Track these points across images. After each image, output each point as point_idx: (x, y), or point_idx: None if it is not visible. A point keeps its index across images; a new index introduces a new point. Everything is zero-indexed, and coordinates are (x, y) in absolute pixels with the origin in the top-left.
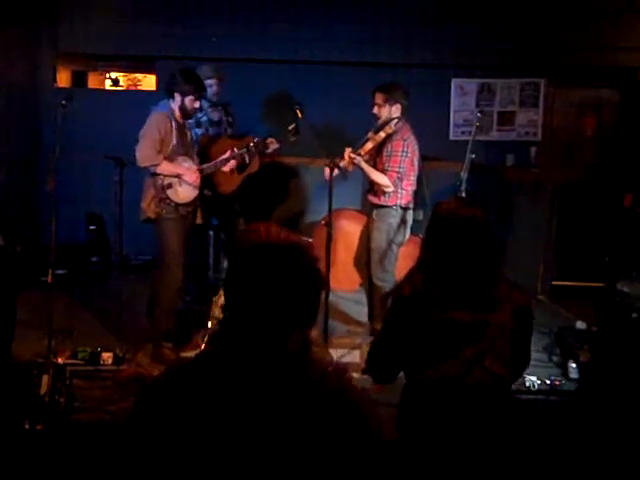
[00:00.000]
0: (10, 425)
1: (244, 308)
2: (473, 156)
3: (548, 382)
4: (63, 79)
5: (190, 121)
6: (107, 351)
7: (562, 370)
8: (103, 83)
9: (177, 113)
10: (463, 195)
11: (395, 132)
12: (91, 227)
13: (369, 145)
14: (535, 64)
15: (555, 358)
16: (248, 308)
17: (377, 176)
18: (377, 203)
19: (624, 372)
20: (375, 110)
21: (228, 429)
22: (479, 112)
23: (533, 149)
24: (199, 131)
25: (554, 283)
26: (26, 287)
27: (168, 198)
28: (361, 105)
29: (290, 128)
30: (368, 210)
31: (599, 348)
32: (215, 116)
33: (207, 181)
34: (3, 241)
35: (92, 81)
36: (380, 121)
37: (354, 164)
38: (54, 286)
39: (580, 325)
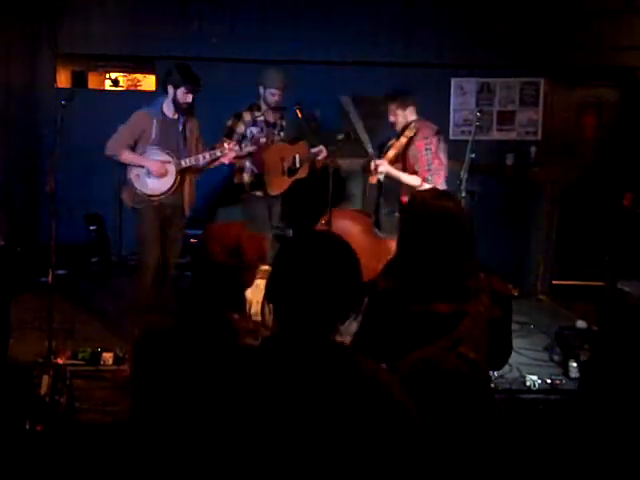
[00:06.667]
0: (10, 426)
1: (291, 300)
2: (473, 156)
3: (549, 381)
4: (63, 79)
5: (247, 119)
6: (107, 351)
7: (563, 369)
8: (103, 83)
9: (169, 108)
10: (463, 195)
11: (415, 134)
12: (91, 227)
13: (392, 152)
14: (535, 63)
15: (556, 357)
16: (295, 300)
17: (409, 178)
18: None
19: (624, 371)
20: (391, 119)
21: (277, 422)
22: (479, 111)
23: (533, 148)
24: (255, 130)
25: (554, 282)
26: (26, 288)
27: (135, 187)
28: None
29: (339, 138)
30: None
31: (600, 347)
32: (271, 118)
33: (259, 181)
34: (3, 241)
35: (92, 81)
36: (398, 127)
37: (378, 172)
38: (54, 286)
39: (581, 324)
